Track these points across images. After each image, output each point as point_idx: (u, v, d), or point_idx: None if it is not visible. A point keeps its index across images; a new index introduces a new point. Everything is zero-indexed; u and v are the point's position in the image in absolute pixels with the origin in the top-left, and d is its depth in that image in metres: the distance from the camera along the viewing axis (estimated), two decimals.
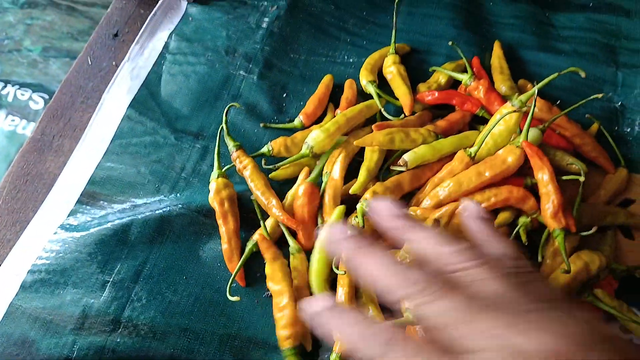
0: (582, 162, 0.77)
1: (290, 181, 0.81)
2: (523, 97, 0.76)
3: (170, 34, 0.96)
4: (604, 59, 0.95)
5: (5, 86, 1.70)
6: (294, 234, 0.77)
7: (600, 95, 0.76)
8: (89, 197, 0.82)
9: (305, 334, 0.71)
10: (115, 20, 1.03)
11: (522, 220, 0.73)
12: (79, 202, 0.81)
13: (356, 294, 0.72)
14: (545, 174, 0.71)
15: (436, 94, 0.84)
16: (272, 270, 0.73)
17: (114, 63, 0.97)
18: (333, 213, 0.74)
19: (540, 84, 0.76)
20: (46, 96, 1.68)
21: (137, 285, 0.74)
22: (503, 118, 0.75)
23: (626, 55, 0.96)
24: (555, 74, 0.75)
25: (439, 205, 0.74)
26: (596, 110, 0.91)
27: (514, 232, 0.72)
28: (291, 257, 0.76)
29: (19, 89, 1.71)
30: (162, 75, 0.92)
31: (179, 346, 0.71)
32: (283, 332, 0.69)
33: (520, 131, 0.74)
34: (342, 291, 0.71)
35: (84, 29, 1.81)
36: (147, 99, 0.90)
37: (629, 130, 0.90)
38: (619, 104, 0.92)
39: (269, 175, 0.81)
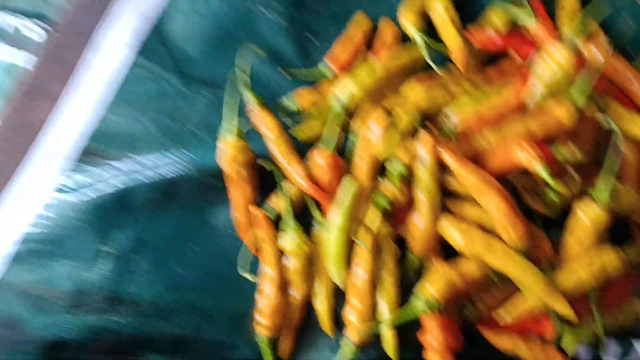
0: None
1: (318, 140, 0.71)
2: (574, 30, 0.65)
3: None
4: None
5: None
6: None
7: None
8: (86, 155, 0.72)
9: (285, 329, 0.64)
10: None
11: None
12: (74, 159, 0.72)
13: None
14: None
15: (499, 39, 0.71)
16: (262, 250, 0.66)
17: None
18: (344, 195, 0.64)
19: None
20: (47, 27, 1.55)
21: (139, 256, 0.66)
22: (557, 61, 0.63)
23: None
24: None
25: (474, 156, 0.64)
26: None
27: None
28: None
29: (15, 16, 1.58)
30: (172, 13, 0.79)
31: (187, 325, 0.64)
32: (261, 319, 0.63)
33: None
34: (362, 274, 0.63)
35: None
36: (156, 44, 0.77)
37: None
38: None
39: (292, 132, 0.71)
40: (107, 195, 0.68)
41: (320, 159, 0.66)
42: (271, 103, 0.71)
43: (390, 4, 0.80)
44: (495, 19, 0.75)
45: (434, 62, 0.72)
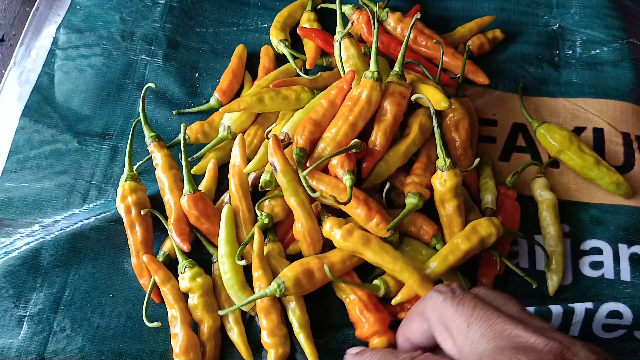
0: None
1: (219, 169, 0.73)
2: (339, 26, 0.72)
3: (58, 28, 0.85)
4: None
5: None
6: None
7: None
8: None
9: None
10: None
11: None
12: None
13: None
14: None
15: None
16: (163, 294, 0.66)
17: (3, 71, 0.86)
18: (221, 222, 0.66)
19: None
20: None
21: (57, 314, 0.66)
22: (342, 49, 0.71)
23: None
24: None
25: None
26: (534, 37, 0.85)
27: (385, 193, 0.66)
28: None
29: None
30: (55, 75, 0.81)
31: None
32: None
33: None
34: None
35: None
36: (41, 104, 0.79)
37: (570, 52, 0.83)
38: (557, 26, 0.85)
39: (192, 170, 0.72)
40: (14, 260, 0.67)
41: (183, 201, 0.67)
42: (167, 142, 0.73)
43: (266, 34, 0.85)
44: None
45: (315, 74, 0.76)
